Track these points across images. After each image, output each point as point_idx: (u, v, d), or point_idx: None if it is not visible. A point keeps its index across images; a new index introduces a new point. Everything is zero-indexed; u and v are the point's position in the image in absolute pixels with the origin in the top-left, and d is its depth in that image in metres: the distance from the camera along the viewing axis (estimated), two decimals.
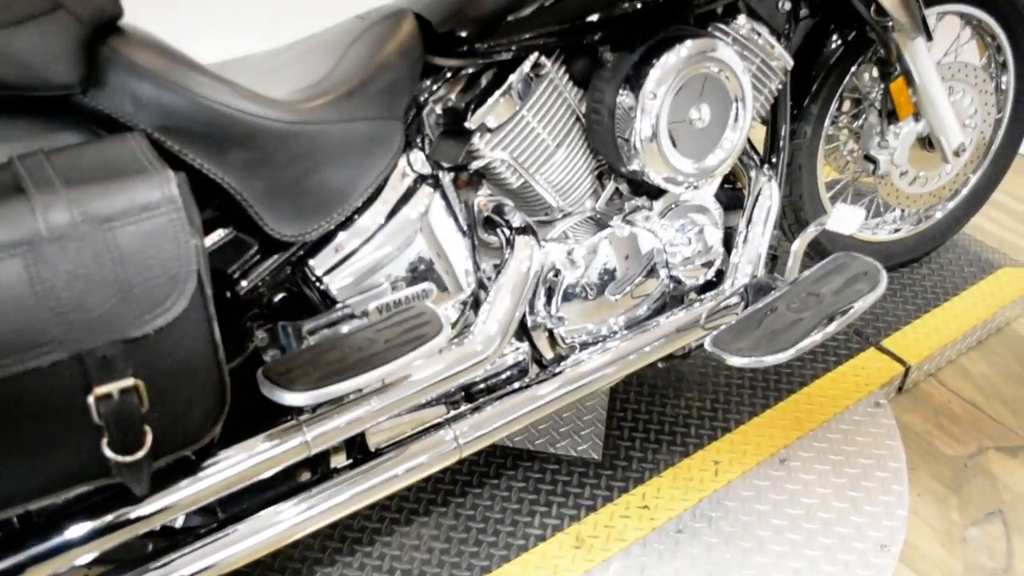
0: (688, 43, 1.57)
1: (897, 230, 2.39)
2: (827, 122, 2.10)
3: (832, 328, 1.60)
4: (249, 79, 1.42)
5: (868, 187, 2.32)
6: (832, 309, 1.63)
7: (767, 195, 1.82)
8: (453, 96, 1.57)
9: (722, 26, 1.68)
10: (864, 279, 1.68)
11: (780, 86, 1.80)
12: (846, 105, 2.20)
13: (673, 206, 1.74)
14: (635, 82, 1.55)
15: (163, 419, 1.11)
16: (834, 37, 2.03)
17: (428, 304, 1.40)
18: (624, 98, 1.56)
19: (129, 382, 1.07)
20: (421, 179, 1.48)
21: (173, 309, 1.07)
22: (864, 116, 2.16)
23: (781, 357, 1.57)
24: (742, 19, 1.70)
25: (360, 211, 1.43)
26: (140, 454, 1.10)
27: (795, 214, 2.17)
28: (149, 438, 1.10)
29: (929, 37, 1.94)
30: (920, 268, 2.47)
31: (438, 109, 1.57)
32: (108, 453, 1.09)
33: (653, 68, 1.55)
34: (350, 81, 1.34)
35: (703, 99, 1.60)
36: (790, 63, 1.78)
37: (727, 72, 1.61)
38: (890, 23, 1.91)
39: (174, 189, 1.06)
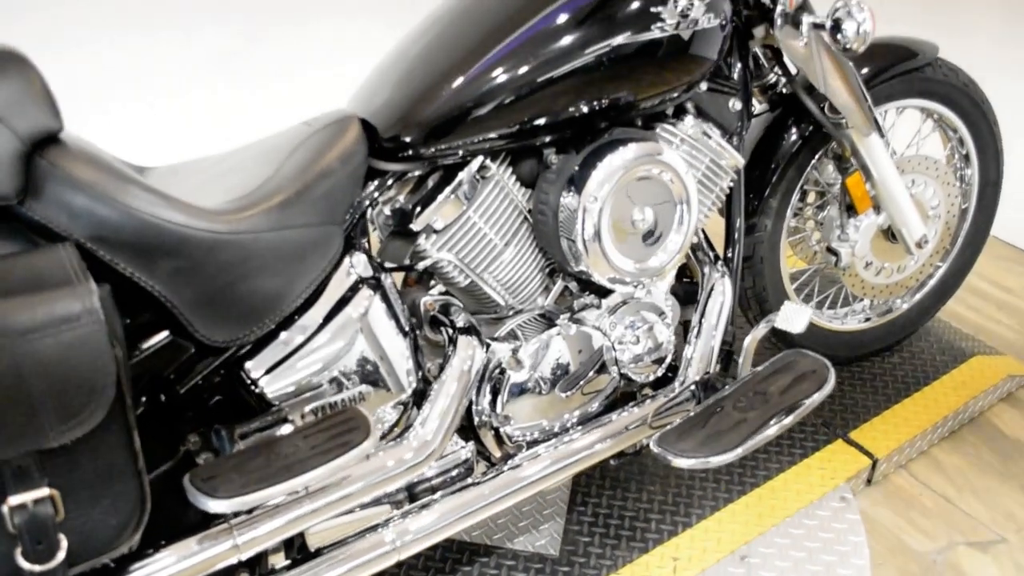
0: (632, 146, 1.60)
1: (867, 319, 2.39)
2: (788, 215, 2.12)
3: (773, 432, 1.60)
4: (194, 184, 1.46)
5: (836, 276, 2.33)
6: (778, 409, 1.63)
7: (720, 291, 1.83)
8: (401, 197, 1.60)
9: (670, 127, 1.71)
10: (812, 378, 1.68)
11: (731, 184, 1.83)
12: (811, 196, 2.22)
13: (623, 303, 1.75)
14: (579, 184, 1.57)
15: (79, 528, 1.12)
16: (793, 131, 2.06)
17: (360, 408, 1.41)
18: (568, 199, 1.58)
19: (44, 492, 1.08)
20: (362, 281, 1.50)
21: (91, 420, 1.09)
22: (827, 208, 2.18)
23: (726, 458, 1.57)
24: (689, 120, 1.73)
25: (300, 312, 1.45)
26: (54, 564, 1.11)
27: (759, 306, 2.18)
28: (64, 547, 1.11)
29: (882, 134, 1.96)
30: (891, 357, 2.46)
31: (386, 210, 1.60)
32: (22, 563, 1.09)
33: (596, 170, 1.57)
34: (287, 189, 1.37)
35: (647, 201, 1.62)
36: (741, 162, 1.80)
37: (671, 175, 1.63)
38: (843, 120, 1.93)
39: (95, 301, 1.09)
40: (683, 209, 1.66)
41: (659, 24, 1.54)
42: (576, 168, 1.59)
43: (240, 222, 1.30)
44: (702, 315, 1.84)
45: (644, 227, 1.63)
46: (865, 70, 2.07)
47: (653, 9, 1.54)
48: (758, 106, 2.06)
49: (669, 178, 1.63)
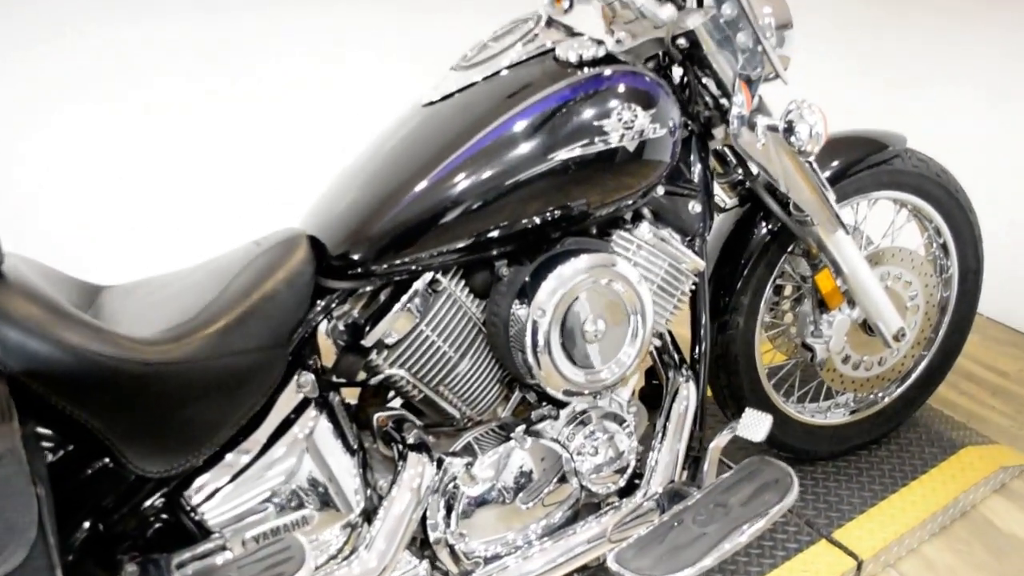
0: (584, 256, 1.59)
1: (851, 412, 2.34)
2: (762, 310, 2.10)
3: (730, 548, 1.55)
4: (141, 307, 1.46)
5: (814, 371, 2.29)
6: (738, 522, 1.59)
7: (684, 395, 1.81)
8: (354, 312, 1.59)
9: (625, 234, 1.70)
10: (774, 488, 1.64)
11: (693, 287, 1.81)
12: (787, 289, 2.20)
13: (583, 412, 1.72)
14: (529, 296, 1.56)
15: None
16: (761, 227, 2.05)
17: (298, 536, 1.39)
18: (519, 311, 1.57)
19: None
20: (309, 400, 1.49)
21: (11, 560, 1.07)
22: (802, 302, 2.16)
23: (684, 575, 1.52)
24: (646, 226, 1.72)
25: (244, 434, 1.43)
26: None
27: (737, 403, 2.15)
28: None
29: (847, 231, 1.95)
30: (878, 450, 2.41)
31: (340, 325, 1.60)
32: None
33: (546, 282, 1.56)
34: (228, 314, 1.37)
35: (600, 313, 1.61)
36: (701, 265, 1.79)
37: (624, 286, 1.62)
38: (808, 217, 1.92)
39: (17, 442, 1.08)
40: (637, 321, 1.65)
41: (603, 137, 1.54)
42: (527, 279, 1.58)
43: (176, 351, 1.30)
44: (666, 421, 1.81)
45: (597, 339, 1.61)
46: (835, 163, 2.06)
47: (596, 123, 1.54)
48: (728, 201, 2.06)
49: (622, 289, 1.62)
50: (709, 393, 2.15)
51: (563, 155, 1.54)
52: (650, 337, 1.68)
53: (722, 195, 2.04)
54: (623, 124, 1.55)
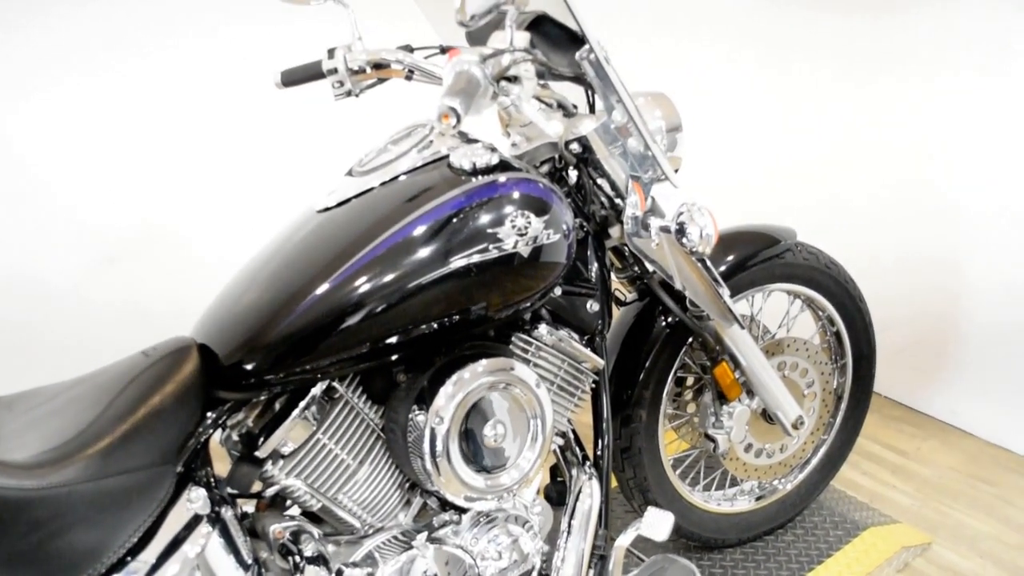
0: (481, 362, 1.59)
1: (757, 498, 2.37)
2: (664, 403, 2.13)
3: None
4: (20, 425, 1.41)
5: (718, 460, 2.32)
6: None
7: (588, 493, 1.81)
8: (249, 422, 1.57)
9: (524, 336, 1.72)
10: None
11: (593, 386, 1.83)
12: (689, 380, 2.24)
13: (485, 516, 1.71)
14: (427, 402, 1.56)
15: None
16: (660, 321, 2.09)
17: None
18: (417, 418, 1.56)
19: None
20: (199, 517, 1.45)
21: None
22: (704, 392, 2.19)
23: None
24: (544, 327, 1.73)
25: (131, 555, 1.38)
26: None
27: (643, 495, 2.16)
28: None
29: (741, 325, 2.00)
30: (784, 535, 2.44)
31: (234, 435, 1.57)
32: None
33: (443, 388, 1.56)
34: (110, 433, 1.33)
35: (499, 417, 1.61)
36: (600, 364, 1.81)
37: (523, 389, 1.63)
38: (704, 312, 1.96)
39: None
40: (537, 424, 1.65)
41: (497, 244, 1.56)
42: (424, 385, 1.57)
43: (53, 475, 1.25)
44: (571, 519, 1.80)
45: (496, 443, 1.61)
46: (730, 258, 2.12)
47: (490, 230, 1.56)
48: (628, 295, 2.09)
49: (521, 393, 1.62)
50: (616, 485, 2.17)
51: (459, 262, 1.55)
52: (551, 439, 1.68)
53: (622, 289, 2.08)
54: (516, 230, 1.58)
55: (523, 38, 1.62)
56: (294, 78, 1.89)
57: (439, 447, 1.55)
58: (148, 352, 1.51)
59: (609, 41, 1.69)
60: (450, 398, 1.56)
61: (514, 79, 1.56)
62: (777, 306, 2.30)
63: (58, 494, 1.25)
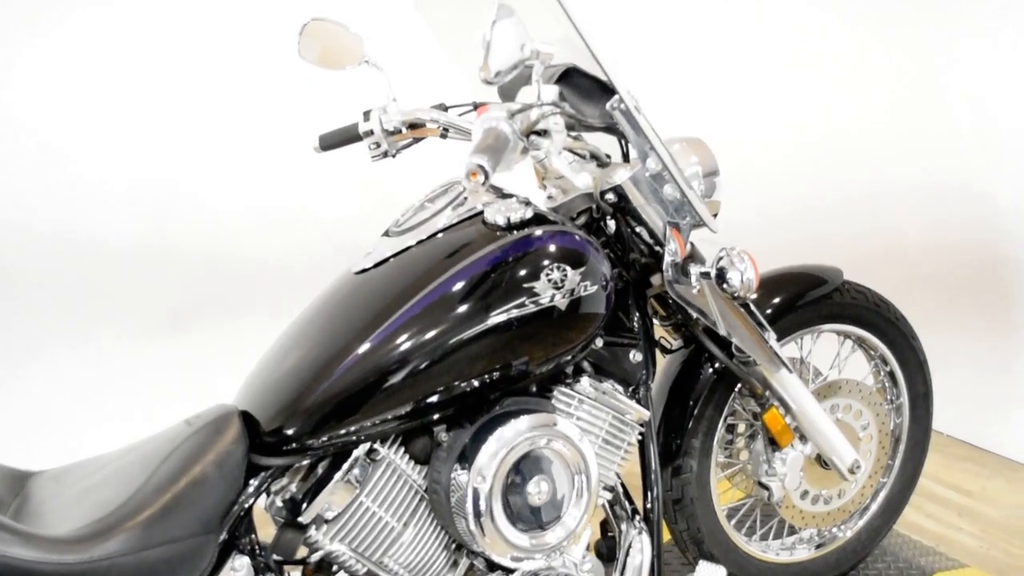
0: (523, 418, 1.57)
1: (819, 546, 2.30)
2: (715, 451, 2.08)
3: None
4: (68, 498, 1.42)
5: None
6: None
7: (638, 548, 1.76)
8: (292, 487, 1.56)
9: (566, 391, 1.69)
10: None
11: (639, 438, 1.79)
12: (741, 427, 2.19)
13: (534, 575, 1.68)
14: (469, 461, 1.54)
15: None
16: (707, 369, 2.05)
17: None
18: (460, 477, 1.54)
19: None
20: None
21: None
22: (756, 439, 2.14)
23: None
24: (586, 380, 1.71)
25: None
26: None
27: (697, 547, 2.10)
28: None
29: (790, 369, 1.95)
30: None
31: (278, 501, 1.56)
32: None
33: (486, 446, 1.54)
34: (151, 505, 1.34)
35: (542, 474, 1.59)
36: (646, 415, 1.77)
37: (567, 445, 1.60)
38: (751, 358, 1.92)
39: None
40: (581, 481, 1.62)
41: (534, 298, 1.55)
42: (466, 444, 1.56)
43: (94, 549, 1.26)
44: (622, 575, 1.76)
45: (540, 501, 1.58)
46: (776, 300, 2.08)
47: (526, 284, 1.55)
48: (673, 343, 2.06)
49: (565, 449, 1.60)
50: (668, 538, 2.12)
51: (496, 318, 1.54)
52: (596, 495, 1.65)
53: (667, 337, 2.05)
54: (553, 284, 1.56)
55: (552, 91, 1.62)
56: (332, 142, 1.92)
57: (482, 506, 1.52)
58: (191, 421, 1.51)
59: (641, 87, 1.68)
60: (492, 456, 1.54)
61: (544, 133, 1.55)
62: (827, 348, 2.25)
63: (99, 567, 1.25)
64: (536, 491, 1.58)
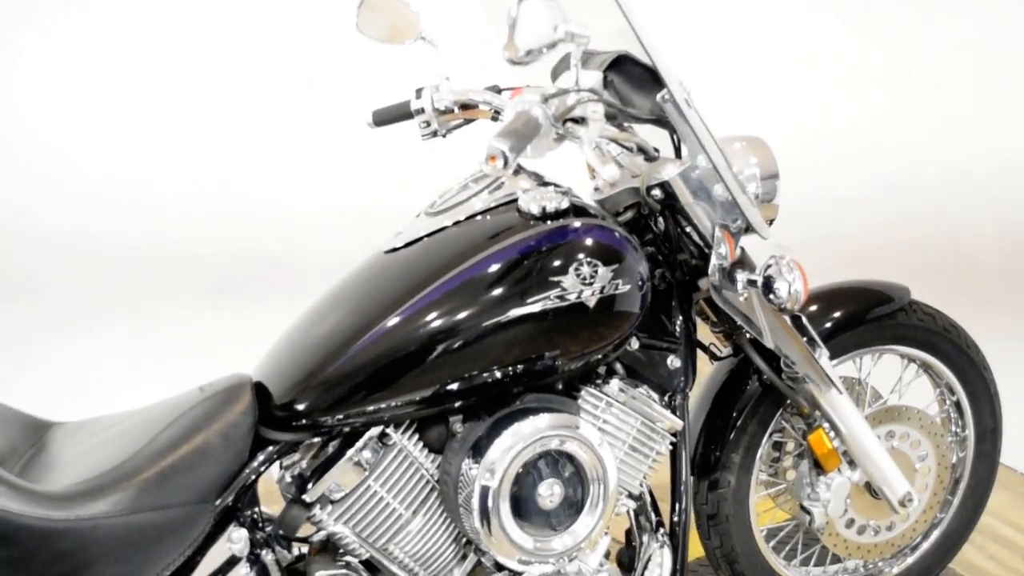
0: (543, 417, 1.51)
1: None
2: (756, 468, 1.98)
3: None
4: (76, 453, 1.42)
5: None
6: None
7: (657, 563, 1.68)
8: (303, 463, 1.54)
9: (594, 391, 1.62)
10: None
11: (670, 447, 1.71)
12: (790, 445, 2.08)
13: None
14: (481, 455, 1.49)
15: None
16: (754, 381, 1.95)
17: None
18: (469, 471, 1.49)
19: None
20: (237, 559, 1.42)
21: None
22: (804, 459, 2.03)
23: None
24: (616, 384, 1.63)
25: None
26: None
27: (730, 567, 2.01)
28: None
29: (840, 390, 1.84)
30: None
31: (288, 476, 1.54)
32: None
33: (499, 440, 1.49)
34: (148, 468, 1.32)
35: (556, 477, 1.52)
36: (678, 425, 1.69)
37: (586, 450, 1.53)
38: (800, 374, 1.82)
39: None
40: (598, 489, 1.55)
41: (560, 292, 1.49)
42: (480, 437, 1.50)
43: (81, 507, 1.25)
44: None
45: (551, 505, 1.52)
46: (835, 315, 1.97)
47: (553, 278, 1.49)
48: (722, 350, 1.97)
49: (583, 453, 1.53)
50: (701, 554, 2.03)
51: (520, 309, 1.49)
52: (613, 505, 1.58)
53: (717, 344, 1.96)
54: (581, 279, 1.49)
55: (593, 77, 1.55)
56: (385, 118, 1.88)
57: (489, 503, 1.47)
58: (204, 388, 1.50)
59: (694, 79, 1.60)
60: (505, 452, 1.48)
61: (581, 120, 1.48)
62: (890, 370, 2.12)
63: (83, 526, 1.24)
64: (548, 494, 1.52)
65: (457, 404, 1.52)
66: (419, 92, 1.82)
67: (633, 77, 1.61)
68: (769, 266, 1.62)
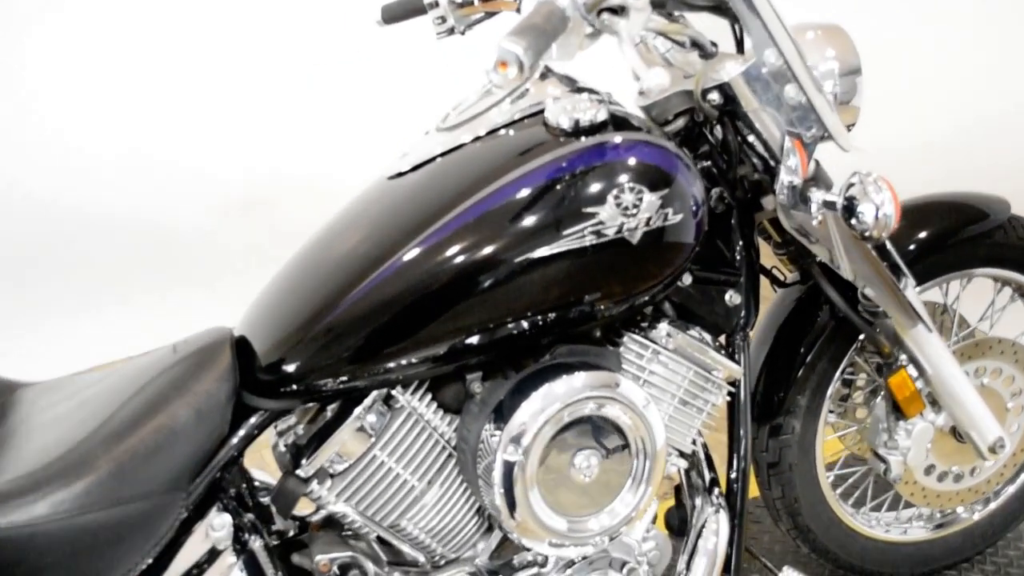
0: (578, 375, 1.26)
1: (939, 526, 1.95)
2: (824, 411, 1.74)
3: None
4: (31, 427, 1.21)
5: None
6: None
7: (712, 530, 1.46)
8: (299, 430, 1.32)
9: (639, 339, 1.37)
10: None
11: (728, 398, 1.46)
12: (861, 380, 1.82)
13: (579, 558, 1.40)
14: (504, 421, 1.25)
15: None
16: (824, 312, 1.68)
17: None
18: (491, 439, 1.25)
19: None
20: (220, 549, 1.21)
21: None
22: (877, 396, 1.77)
23: None
24: (664, 328, 1.38)
25: None
26: None
27: (792, 519, 1.79)
28: None
29: (928, 327, 1.57)
30: (970, 571, 2.00)
31: (282, 446, 1.32)
32: None
33: (526, 403, 1.24)
34: (102, 455, 1.10)
35: (593, 446, 1.28)
36: (737, 372, 1.44)
37: (629, 414, 1.28)
38: (880, 308, 1.55)
39: None
40: (640, 464, 1.31)
41: (595, 227, 1.22)
42: (503, 399, 1.26)
43: (16, 512, 1.03)
44: (689, 560, 1.46)
45: (587, 479, 1.28)
46: (922, 234, 1.69)
47: (587, 209, 1.22)
48: (788, 276, 1.70)
49: (626, 418, 1.28)
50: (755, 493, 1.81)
51: (547, 249, 1.22)
52: (661, 474, 1.34)
53: (781, 267, 1.69)
54: (622, 210, 1.22)
55: None
56: (395, 14, 1.60)
57: (515, 479, 1.24)
58: (178, 347, 1.27)
59: None
60: (534, 416, 1.24)
61: (620, 11, 1.17)
62: (980, 295, 1.83)
63: (19, 535, 1.02)
64: (584, 466, 1.28)
65: (476, 360, 1.27)
66: None
67: None
68: (851, 184, 1.33)
